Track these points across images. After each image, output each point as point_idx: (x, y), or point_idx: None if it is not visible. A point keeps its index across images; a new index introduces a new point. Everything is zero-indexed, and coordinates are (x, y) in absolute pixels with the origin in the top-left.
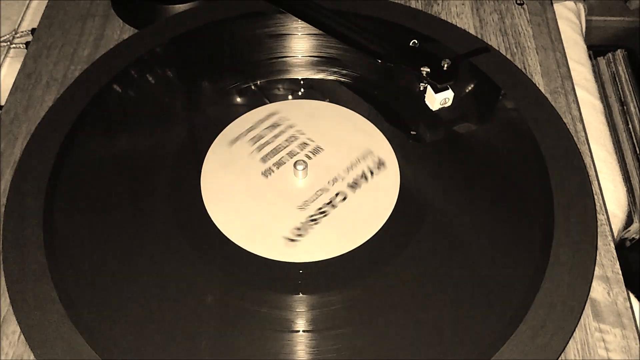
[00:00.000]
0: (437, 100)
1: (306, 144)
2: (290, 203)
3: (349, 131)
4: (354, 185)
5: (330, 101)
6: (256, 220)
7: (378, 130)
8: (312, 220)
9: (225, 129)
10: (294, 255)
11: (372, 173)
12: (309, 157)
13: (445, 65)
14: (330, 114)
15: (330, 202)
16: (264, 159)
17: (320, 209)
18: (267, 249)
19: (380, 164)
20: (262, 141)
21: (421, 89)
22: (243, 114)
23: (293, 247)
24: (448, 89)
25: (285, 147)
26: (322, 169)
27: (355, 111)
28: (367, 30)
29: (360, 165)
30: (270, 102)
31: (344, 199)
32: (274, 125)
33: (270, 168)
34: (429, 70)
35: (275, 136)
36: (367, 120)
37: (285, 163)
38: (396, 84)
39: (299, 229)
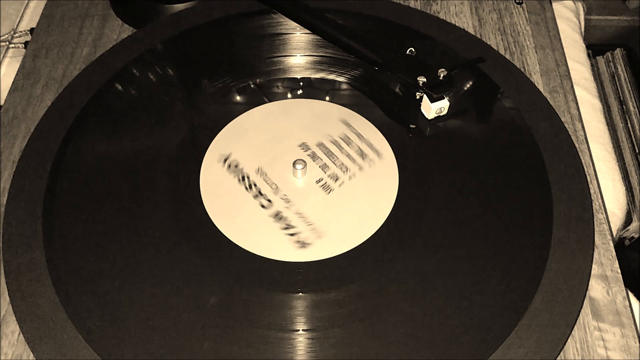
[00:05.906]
0: (433, 109)
1: (342, 183)
2: (265, 166)
3: (362, 213)
4: (290, 226)
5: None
6: (237, 147)
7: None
8: (257, 196)
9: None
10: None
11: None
12: (323, 187)
13: (442, 75)
14: (387, 191)
15: (271, 202)
16: (319, 145)
17: (265, 198)
18: (209, 195)
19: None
20: (342, 144)
21: (417, 97)
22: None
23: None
24: (444, 98)
25: (333, 162)
26: (309, 197)
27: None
28: (365, 38)
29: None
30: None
31: (280, 218)
32: (361, 155)
33: (308, 148)
34: (425, 80)
35: (347, 155)
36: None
37: (311, 163)
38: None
39: (246, 178)
